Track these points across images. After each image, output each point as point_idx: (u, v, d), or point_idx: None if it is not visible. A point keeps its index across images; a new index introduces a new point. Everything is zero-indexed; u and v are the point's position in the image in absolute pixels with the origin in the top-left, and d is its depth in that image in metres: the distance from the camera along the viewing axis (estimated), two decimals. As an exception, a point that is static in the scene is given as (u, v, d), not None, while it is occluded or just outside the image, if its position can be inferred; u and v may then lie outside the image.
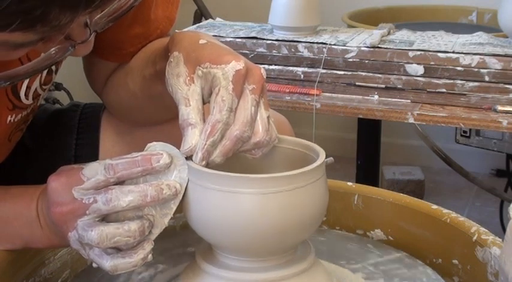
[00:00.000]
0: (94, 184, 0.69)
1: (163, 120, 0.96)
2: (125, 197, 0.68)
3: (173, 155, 0.70)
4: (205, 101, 0.72)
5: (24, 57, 0.72)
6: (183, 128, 0.70)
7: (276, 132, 0.73)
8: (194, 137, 0.69)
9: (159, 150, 0.70)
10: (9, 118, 0.84)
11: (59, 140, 1.03)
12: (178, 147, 0.71)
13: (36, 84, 0.86)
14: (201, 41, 0.75)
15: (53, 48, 0.63)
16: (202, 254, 0.74)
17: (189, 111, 0.70)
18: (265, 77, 0.72)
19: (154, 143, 0.71)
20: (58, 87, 2.38)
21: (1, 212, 0.77)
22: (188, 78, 0.71)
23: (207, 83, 0.71)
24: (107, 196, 0.68)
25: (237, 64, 0.70)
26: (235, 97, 0.70)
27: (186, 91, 0.71)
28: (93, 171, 0.69)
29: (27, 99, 0.85)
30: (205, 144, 0.69)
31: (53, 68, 0.88)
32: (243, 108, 0.70)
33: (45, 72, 0.87)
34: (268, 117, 0.72)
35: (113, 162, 0.69)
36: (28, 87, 0.85)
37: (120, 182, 0.70)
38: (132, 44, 0.92)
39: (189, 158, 0.70)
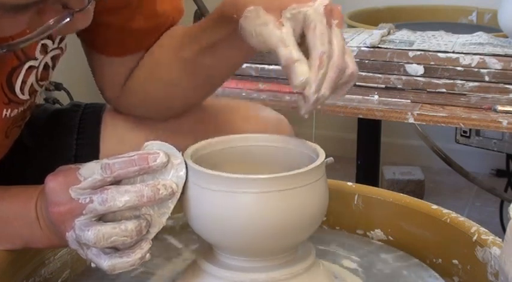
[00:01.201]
0: (91, 184, 0.69)
1: (201, 99, 0.97)
2: (121, 197, 0.68)
3: (170, 154, 0.70)
4: (296, 41, 0.73)
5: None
6: (289, 66, 0.70)
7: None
8: (304, 70, 0.70)
9: (156, 149, 0.70)
10: (4, 112, 0.84)
11: (59, 140, 1.03)
12: (178, 148, 0.71)
13: (32, 79, 0.86)
14: None
15: (52, 20, 0.63)
16: (202, 254, 0.74)
17: (290, 50, 0.70)
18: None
19: (152, 141, 0.71)
20: (58, 87, 2.37)
21: (1, 212, 0.77)
22: (277, 22, 0.72)
23: (297, 24, 0.72)
24: (103, 196, 0.68)
25: (323, 0, 0.73)
26: (329, 30, 0.72)
27: (279, 34, 0.71)
28: (90, 171, 0.69)
29: (23, 94, 0.85)
30: (317, 76, 0.70)
31: (50, 63, 0.88)
32: (336, 40, 0.72)
33: (41, 67, 0.87)
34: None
35: (110, 162, 0.69)
36: (23, 82, 0.84)
37: (117, 182, 0.70)
38: (149, 35, 0.93)
39: (188, 157, 0.70)
